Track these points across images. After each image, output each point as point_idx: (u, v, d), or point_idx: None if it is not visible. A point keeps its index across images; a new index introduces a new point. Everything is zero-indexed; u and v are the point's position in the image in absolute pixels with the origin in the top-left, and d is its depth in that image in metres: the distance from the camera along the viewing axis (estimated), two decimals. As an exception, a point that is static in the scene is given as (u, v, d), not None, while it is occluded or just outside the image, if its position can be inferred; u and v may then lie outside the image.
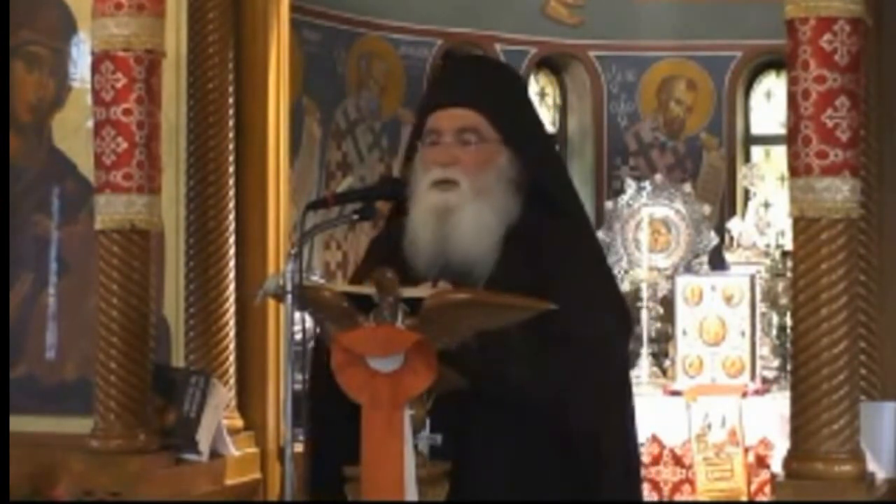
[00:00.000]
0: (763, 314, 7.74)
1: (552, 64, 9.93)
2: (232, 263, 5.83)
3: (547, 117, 10.06)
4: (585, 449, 3.54)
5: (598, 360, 3.52)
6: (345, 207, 3.57)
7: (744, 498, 7.05)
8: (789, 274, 5.83)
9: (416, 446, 3.32)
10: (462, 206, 3.57)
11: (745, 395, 7.28)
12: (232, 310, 5.81)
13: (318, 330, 3.50)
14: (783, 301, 7.75)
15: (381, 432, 3.25)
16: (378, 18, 8.99)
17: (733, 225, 8.33)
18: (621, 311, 3.71)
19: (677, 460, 7.24)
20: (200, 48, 5.82)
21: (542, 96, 10.02)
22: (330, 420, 3.45)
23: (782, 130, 5.58)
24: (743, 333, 7.49)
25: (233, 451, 5.65)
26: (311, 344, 3.58)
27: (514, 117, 3.71)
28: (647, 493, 7.22)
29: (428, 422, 3.36)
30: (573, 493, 3.53)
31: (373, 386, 3.25)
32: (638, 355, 7.87)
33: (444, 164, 3.61)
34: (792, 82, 4.71)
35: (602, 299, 3.62)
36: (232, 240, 5.83)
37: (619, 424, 3.65)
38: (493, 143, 3.64)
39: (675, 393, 7.40)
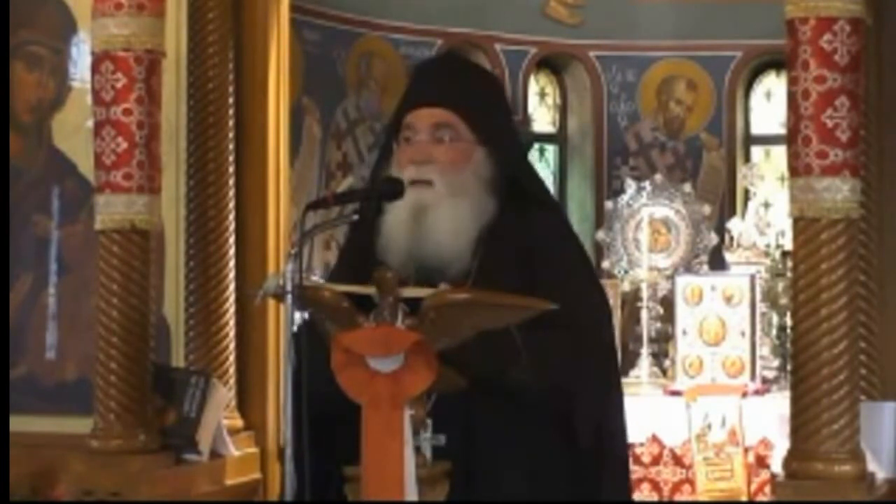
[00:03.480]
0: (763, 314, 7.73)
1: (552, 64, 9.93)
2: (232, 263, 5.83)
3: (547, 117, 10.07)
4: (588, 435, 3.57)
5: (593, 346, 3.57)
6: (345, 207, 3.58)
7: (744, 498, 7.04)
8: (789, 274, 5.83)
9: (418, 447, 3.33)
10: (437, 205, 3.59)
11: (745, 395, 7.27)
12: (232, 310, 5.81)
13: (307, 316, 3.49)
14: (783, 301, 7.74)
15: (381, 432, 3.25)
16: (378, 18, 8.99)
17: (733, 225, 8.33)
18: (602, 295, 3.80)
19: (677, 460, 7.24)
20: (200, 48, 5.82)
21: (542, 96, 10.02)
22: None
23: (782, 130, 5.58)
24: (743, 333, 7.49)
25: (233, 451, 5.65)
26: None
27: (489, 117, 3.74)
28: (647, 493, 7.22)
29: (430, 422, 3.36)
30: (575, 483, 3.55)
31: (373, 386, 3.26)
32: (638, 355, 7.87)
33: (418, 161, 3.62)
34: (792, 82, 4.71)
35: (588, 286, 3.70)
36: (232, 240, 5.84)
37: (617, 409, 3.70)
38: (468, 143, 3.67)
39: (675, 393, 7.40)
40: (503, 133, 3.80)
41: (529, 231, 3.65)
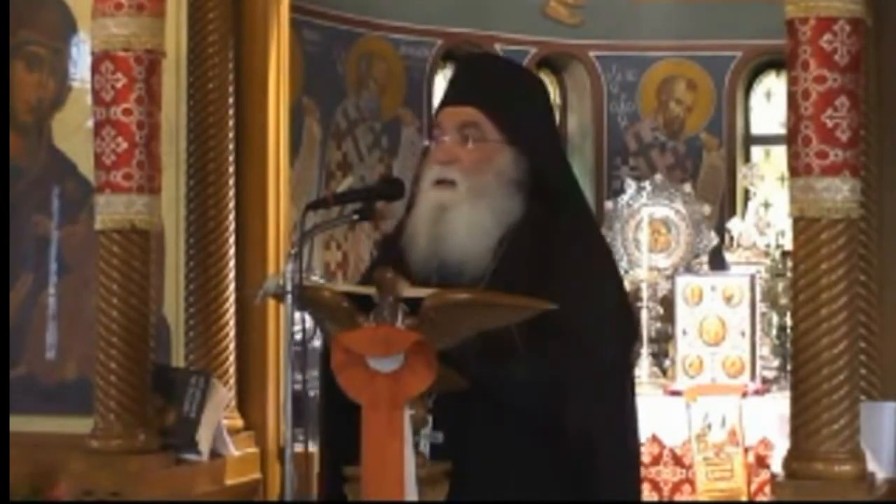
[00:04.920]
0: (763, 314, 7.74)
1: (552, 64, 9.93)
2: (232, 263, 5.83)
3: (547, 117, 10.05)
4: (578, 445, 3.53)
5: (590, 357, 3.50)
6: (345, 207, 3.58)
7: (744, 498, 7.05)
8: (789, 274, 5.83)
9: (417, 444, 3.33)
10: (457, 206, 3.57)
11: (745, 395, 7.28)
12: (232, 310, 5.82)
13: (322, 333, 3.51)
14: (783, 301, 7.75)
15: (381, 432, 3.25)
16: (378, 18, 8.99)
17: (733, 225, 8.33)
18: (621, 308, 3.67)
19: (677, 460, 7.24)
20: (200, 48, 5.83)
21: (543, 96, 10.01)
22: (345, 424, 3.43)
23: (782, 130, 5.58)
24: (743, 333, 7.49)
25: (233, 451, 5.65)
26: (314, 343, 3.59)
27: (520, 117, 3.68)
28: (647, 493, 7.22)
29: (430, 419, 3.36)
30: (567, 490, 3.53)
31: (373, 386, 3.26)
32: (638, 355, 7.87)
33: (444, 161, 3.62)
34: (792, 82, 4.71)
35: (600, 297, 3.59)
36: (232, 240, 5.84)
37: (613, 422, 3.63)
38: (495, 143, 3.63)
39: (675, 393, 7.40)
40: (535, 133, 3.72)
41: (551, 234, 3.59)
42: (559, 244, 3.59)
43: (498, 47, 9.48)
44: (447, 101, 3.72)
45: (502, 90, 3.70)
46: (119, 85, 5.30)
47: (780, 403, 6.39)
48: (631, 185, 8.56)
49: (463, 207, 3.57)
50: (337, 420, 3.47)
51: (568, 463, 3.53)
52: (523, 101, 3.74)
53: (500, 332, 3.34)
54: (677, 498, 7.24)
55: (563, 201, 3.68)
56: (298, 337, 3.41)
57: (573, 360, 3.47)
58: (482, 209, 3.58)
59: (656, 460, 7.24)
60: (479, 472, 3.48)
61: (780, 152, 8.92)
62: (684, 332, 7.56)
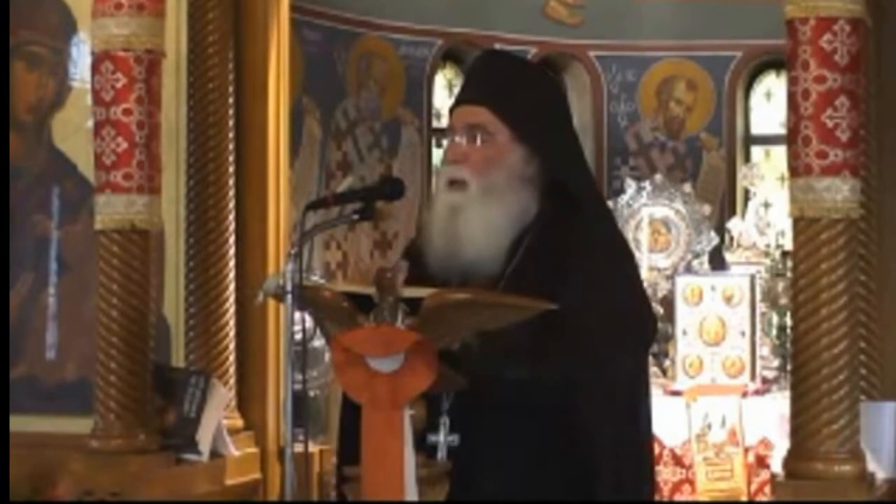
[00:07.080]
0: (763, 314, 7.74)
1: (552, 64, 9.93)
2: (232, 263, 5.83)
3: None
4: (582, 448, 3.53)
5: (596, 360, 3.49)
6: (345, 207, 3.58)
7: (744, 498, 7.05)
8: (789, 274, 5.83)
9: (435, 447, 3.33)
10: (468, 207, 3.58)
11: (745, 395, 7.28)
12: (232, 310, 5.81)
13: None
14: (783, 301, 7.75)
15: (381, 432, 3.25)
16: (378, 18, 9.00)
17: (733, 225, 8.34)
18: (636, 312, 3.64)
19: (677, 460, 7.24)
20: (200, 48, 5.82)
21: (543, 96, 10.00)
22: None
23: (782, 130, 5.58)
24: (743, 333, 7.49)
25: (233, 451, 5.65)
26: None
27: (529, 116, 3.67)
28: (647, 493, 7.21)
29: (448, 422, 3.36)
30: (573, 492, 3.52)
31: (373, 386, 3.26)
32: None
33: (454, 161, 3.63)
34: (792, 82, 4.71)
35: (613, 300, 3.55)
36: (232, 240, 5.83)
37: (617, 425, 3.62)
38: (504, 141, 3.63)
39: (675, 393, 7.41)
40: (546, 131, 3.70)
41: (567, 234, 3.58)
42: (575, 245, 3.57)
43: (498, 47, 9.48)
44: (458, 101, 3.73)
45: (511, 88, 3.70)
46: (119, 85, 5.30)
47: (780, 403, 6.39)
48: (631, 185, 8.57)
49: (475, 208, 3.58)
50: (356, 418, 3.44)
51: (573, 464, 3.52)
52: (533, 100, 3.72)
53: (505, 331, 3.33)
54: (677, 498, 7.24)
55: (579, 200, 3.67)
56: (298, 337, 3.41)
57: (583, 362, 3.46)
58: (495, 208, 3.58)
59: (656, 460, 7.23)
60: (481, 472, 3.48)
61: (780, 152, 8.93)
62: (684, 332, 7.56)
